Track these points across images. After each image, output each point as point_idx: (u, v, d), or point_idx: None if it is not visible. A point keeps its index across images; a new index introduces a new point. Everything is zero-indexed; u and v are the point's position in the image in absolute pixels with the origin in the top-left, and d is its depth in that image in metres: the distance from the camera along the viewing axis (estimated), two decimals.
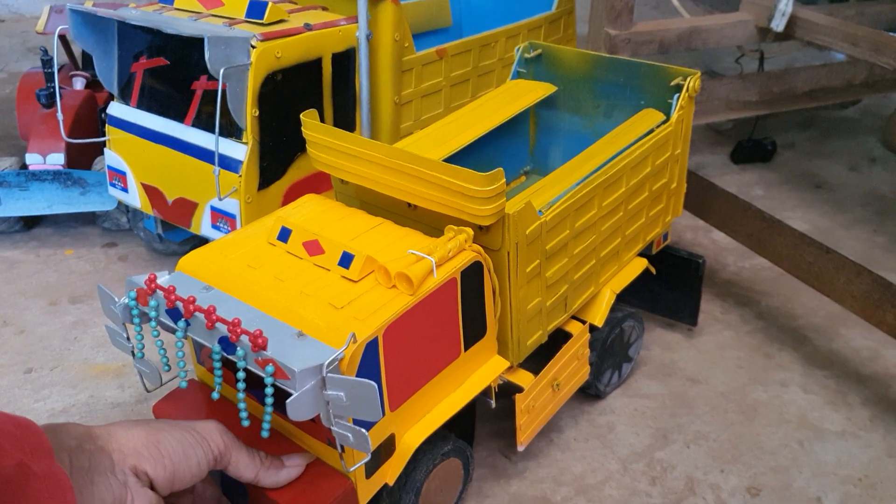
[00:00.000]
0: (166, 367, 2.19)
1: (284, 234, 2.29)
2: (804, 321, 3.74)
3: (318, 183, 3.63)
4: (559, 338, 2.81)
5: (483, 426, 2.97)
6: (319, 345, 1.96)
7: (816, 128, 6.18)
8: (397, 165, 2.33)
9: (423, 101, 4.01)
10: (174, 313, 2.06)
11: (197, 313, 1.99)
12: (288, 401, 1.83)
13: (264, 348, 1.89)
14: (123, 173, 3.75)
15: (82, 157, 4.25)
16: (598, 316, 2.92)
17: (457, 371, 2.37)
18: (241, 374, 1.94)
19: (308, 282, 2.16)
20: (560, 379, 2.78)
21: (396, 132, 3.91)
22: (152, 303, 2.08)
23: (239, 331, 1.90)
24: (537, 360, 2.70)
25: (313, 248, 2.24)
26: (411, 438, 2.25)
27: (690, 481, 2.82)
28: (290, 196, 3.50)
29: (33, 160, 4.13)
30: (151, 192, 3.68)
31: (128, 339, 2.24)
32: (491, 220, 2.26)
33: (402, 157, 2.31)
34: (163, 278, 2.22)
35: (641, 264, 3.14)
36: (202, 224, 3.52)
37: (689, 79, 3.05)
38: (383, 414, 2.12)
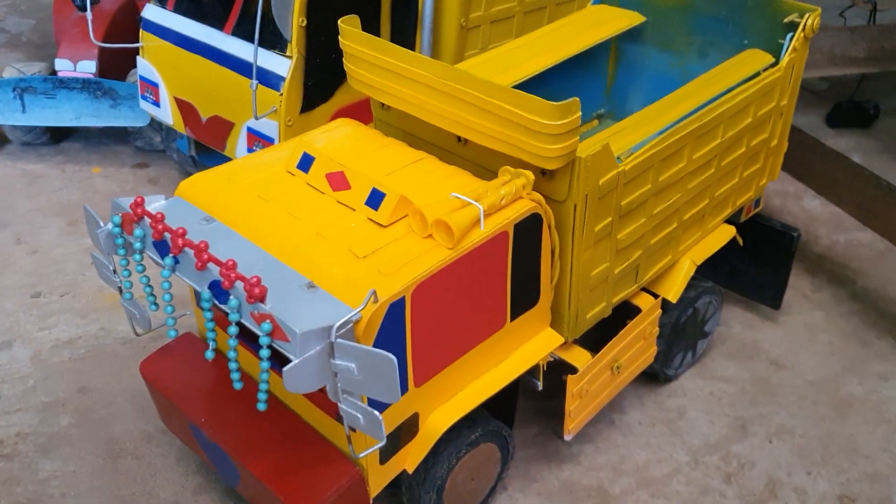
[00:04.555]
0: (153, 307, 1.84)
1: (306, 162, 1.90)
2: None
3: (370, 110, 3.22)
4: (624, 312, 2.39)
5: (530, 401, 2.58)
6: (332, 300, 1.59)
7: None
8: (448, 88, 1.91)
9: (493, 27, 3.56)
10: (162, 246, 1.70)
11: (186, 249, 1.63)
12: (285, 369, 1.47)
13: (262, 300, 1.52)
14: (156, 85, 3.40)
15: (116, 68, 3.92)
16: (674, 290, 2.49)
17: (499, 344, 1.97)
18: (233, 329, 1.58)
19: (327, 222, 1.78)
20: (621, 360, 2.37)
21: (460, 60, 3.48)
22: (137, 231, 1.73)
23: (233, 275, 1.53)
24: (595, 337, 2.29)
25: (338, 181, 1.84)
26: (438, 420, 1.87)
27: (772, 482, 2.42)
28: None
29: (63, 66, 3.81)
30: (185, 108, 3.33)
31: (114, 271, 1.90)
32: (558, 164, 1.83)
33: (454, 77, 1.89)
34: (156, 203, 1.86)
35: (728, 233, 2.68)
36: (237, 147, 3.17)
37: (807, 16, 2.53)
38: (405, 391, 1.75)
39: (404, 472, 1.92)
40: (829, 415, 2.68)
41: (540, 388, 2.15)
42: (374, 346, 1.60)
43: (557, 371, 2.24)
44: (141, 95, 3.49)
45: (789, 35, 2.54)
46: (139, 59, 3.42)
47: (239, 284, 1.53)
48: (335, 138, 2.08)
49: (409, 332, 1.69)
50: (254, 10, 2.99)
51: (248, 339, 1.75)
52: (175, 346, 2.11)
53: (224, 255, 1.62)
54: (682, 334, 2.65)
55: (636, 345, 2.42)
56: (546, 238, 1.93)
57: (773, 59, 2.56)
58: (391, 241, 1.72)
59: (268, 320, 1.50)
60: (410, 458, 1.88)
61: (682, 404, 2.69)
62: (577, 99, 1.76)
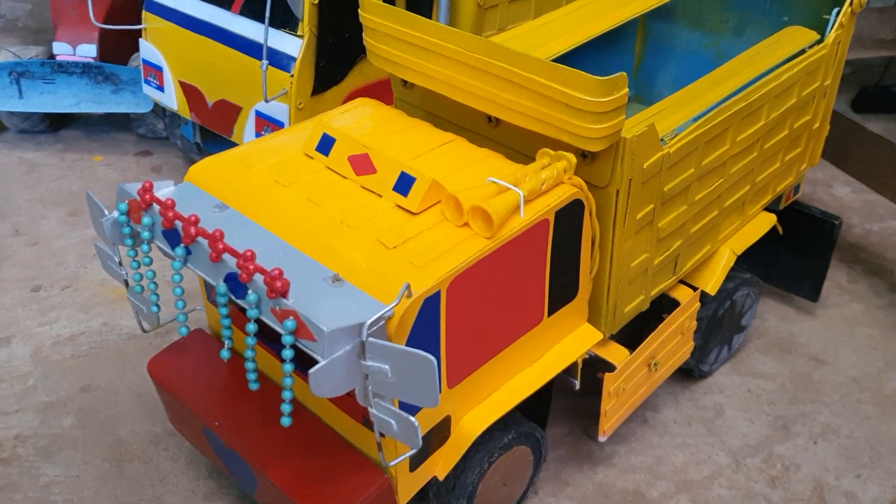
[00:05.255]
0: (154, 308, 1.69)
1: (326, 144, 1.75)
2: None
3: (385, 92, 3.07)
4: (659, 306, 2.25)
5: (561, 398, 2.43)
6: (360, 295, 1.44)
7: None
8: (480, 62, 1.76)
9: (511, 6, 3.41)
10: (172, 236, 1.56)
11: (200, 238, 1.48)
12: (311, 371, 1.32)
13: (284, 295, 1.37)
14: (160, 68, 3.25)
15: (118, 51, 3.76)
16: (712, 281, 2.34)
17: (536, 340, 1.82)
18: (251, 326, 1.43)
19: (352, 209, 1.63)
20: (659, 357, 2.22)
21: None
22: (145, 220, 1.58)
23: (252, 267, 1.39)
24: (626, 332, 2.15)
25: (362, 164, 1.69)
26: (472, 423, 1.73)
27: (819, 486, 2.28)
28: None
29: (61, 50, 3.65)
30: (190, 92, 3.18)
31: (120, 263, 1.75)
32: (602, 145, 1.68)
33: (487, 50, 1.74)
34: (165, 189, 1.71)
35: (768, 221, 2.53)
36: (245, 132, 3.02)
37: None
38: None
39: (433, 478, 1.77)
40: (875, 413, 2.54)
41: (577, 387, 2.01)
42: (407, 344, 1.46)
43: (592, 368, 2.10)
44: (144, 80, 3.34)
45: (835, 10, 2.39)
46: (142, 41, 3.26)
47: (258, 277, 1.39)
48: (356, 119, 1.93)
49: (444, 328, 1.54)
50: None
51: (265, 337, 1.60)
52: (185, 344, 1.96)
53: (240, 244, 1.48)
54: (719, 328, 2.51)
55: (674, 340, 2.27)
56: (587, 226, 1.78)
57: (817, 36, 2.40)
58: (423, 230, 1.57)
59: (291, 317, 1.35)
60: (442, 464, 1.74)
61: (719, 402, 2.55)
62: (624, 74, 1.61)
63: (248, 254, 1.39)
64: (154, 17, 3.19)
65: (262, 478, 1.70)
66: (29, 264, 3.03)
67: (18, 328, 2.74)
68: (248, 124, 3.00)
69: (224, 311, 1.48)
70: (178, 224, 1.52)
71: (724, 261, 2.36)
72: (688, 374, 2.58)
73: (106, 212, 1.70)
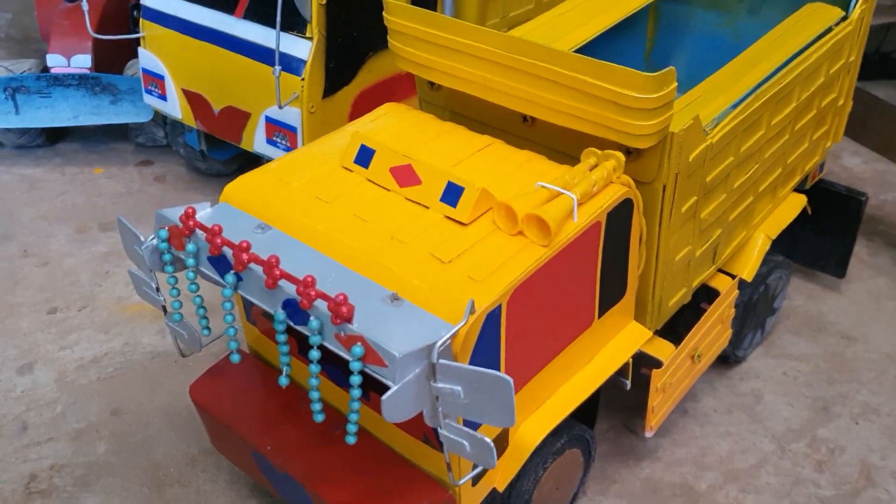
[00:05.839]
0: (206, 332, 1.65)
1: (365, 156, 1.70)
2: None
3: (393, 89, 3.01)
4: (697, 295, 2.22)
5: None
6: (422, 314, 1.40)
7: None
8: (517, 62, 1.71)
9: None
10: (220, 262, 1.50)
11: (252, 265, 1.43)
12: (384, 397, 1.28)
13: (349, 320, 1.33)
14: (161, 77, 3.17)
15: (113, 60, 3.67)
16: (748, 267, 2.31)
17: (587, 342, 1.79)
18: (314, 354, 1.38)
19: (401, 223, 1.58)
20: (701, 348, 2.20)
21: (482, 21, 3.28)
22: (190, 247, 1.53)
23: (314, 293, 1.34)
24: (665, 322, 2.12)
25: (405, 175, 1.64)
26: (529, 433, 1.70)
27: (866, 467, 2.27)
28: (360, 106, 2.90)
29: (55, 62, 3.55)
30: (195, 100, 3.10)
31: (157, 289, 1.70)
32: (652, 141, 1.64)
33: (524, 50, 1.69)
34: (203, 211, 1.65)
35: (799, 202, 2.51)
36: (255, 138, 2.95)
37: None
38: None
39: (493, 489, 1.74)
40: None
41: (628, 387, 1.98)
42: (472, 360, 1.42)
43: (637, 364, 2.06)
44: (145, 89, 3.26)
45: None
46: (141, 50, 3.18)
47: (320, 303, 1.34)
48: (388, 126, 1.88)
49: (504, 340, 1.50)
50: None
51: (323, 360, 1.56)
52: (226, 366, 1.91)
53: (289, 266, 1.43)
54: (754, 313, 2.48)
55: (715, 329, 2.25)
56: (636, 224, 1.75)
57: (841, 13, 2.36)
58: (476, 242, 1.52)
59: (359, 343, 1.30)
60: (501, 475, 1.71)
61: (757, 387, 2.53)
62: (673, 69, 1.57)
63: (309, 280, 1.34)
64: (153, 24, 3.11)
65: (320, 501, 1.67)
66: (42, 286, 2.96)
67: (39, 353, 2.67)
68: (258, 130, 2.93)
69: (283, 337, 1.43)
70: (227, 250, 1.46)
71: (759, 246, 2.34)
72: (723, 360, 2.56)
73: (142, 238, 1.64)
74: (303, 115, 2.75)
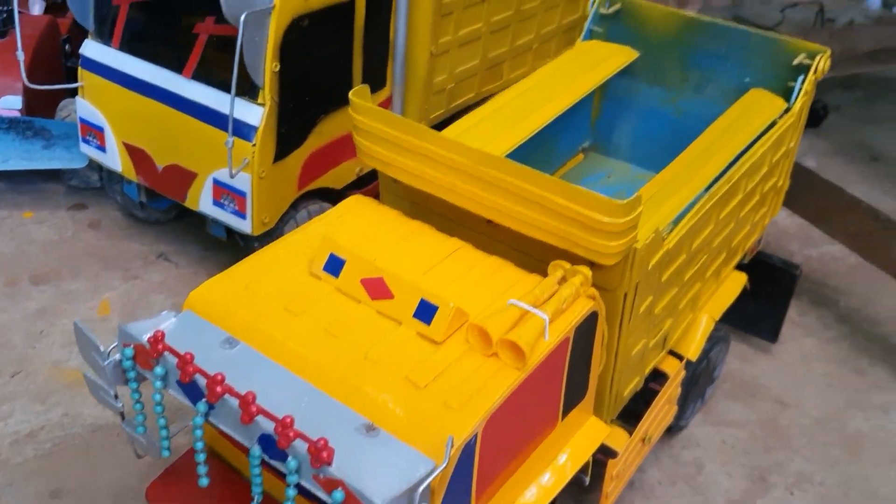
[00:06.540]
0: (166, 453, 1.61)
1: (335, 265, 1.69)
2: (891, 327, 3.27)
3: (341, 150, 2.99)
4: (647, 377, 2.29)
5: None
6: (399, 447, 1.40)
7: (861, 89, 5.61)
8: (486, 175, 1.74)
9: (460, 50, 3.38)
10: (191, 389, 1.47)
11: (228, 396, 1.41)
12: None
13: (329, 463, 1.32)
14: (100, 129, 3.07)
15: (45, 101, 3.53)
16: (693, 347, 2.40)
17: (551, 444, 1.83)
18: (291, 492, 1.37)
19: (374, 340, 1.58)
20: (651, 430, 2.27)
21: (429, 87, 3.30)
22: (158, 370, 1.49)
23: (292, 434, 1.33)
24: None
25: (377, 288, 1.65)
26: None
27: None
28: (309, 168, 2.88)
29: None
30: (137, 155, 3.01)
31: (116, 397, 1.65)
32: (617, 259, 1.69)
33: (495, 165, 1.71)
34: (167, 321, 1.62)
35: (739, 280, 2.61)
36: (201, 198, 2.89)
37: (817, 58, 2.45)
38: None
39: None
40: (842, 457, 2.66)
41: (587, 482, 2.02)
42: (447, 491, 1.43)
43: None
44: (82, 139, 3.15)
45: (800, 78, 2.46)
46: (79, 99, 3.08)
47: (299, 444, 1.33)
48: (354, 226, 1.87)
49: (476, 465, 1.52)
50: (217, 52, 2.73)
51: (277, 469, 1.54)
52: (183, 466, 1.87)
53: (258, 388, 1.41)
54: (697, 386, 2.57)
55: (664, 410, 2.32)
56: (600, 331, 1.79)
57: (784, 104, 2.47)
58: (451, 363, 1.54)
59: (339, 489, 1.30)
60: None
61: (698, 456, 2.62)
62: (641, 195, 1.62)
63: (287, 421, 1.33)
64: (92, 74, 3.01)
65: None
66: None
67: None
68: (204, 191, 2.87)
69: (256, 470, 1.42)
70: (199, 378, 1.44)
71: (703, 327, 2.42)
72: (667, 430, 2.64)
73: (101, 348, 1.59)
74: (253, 180, 2.71)
